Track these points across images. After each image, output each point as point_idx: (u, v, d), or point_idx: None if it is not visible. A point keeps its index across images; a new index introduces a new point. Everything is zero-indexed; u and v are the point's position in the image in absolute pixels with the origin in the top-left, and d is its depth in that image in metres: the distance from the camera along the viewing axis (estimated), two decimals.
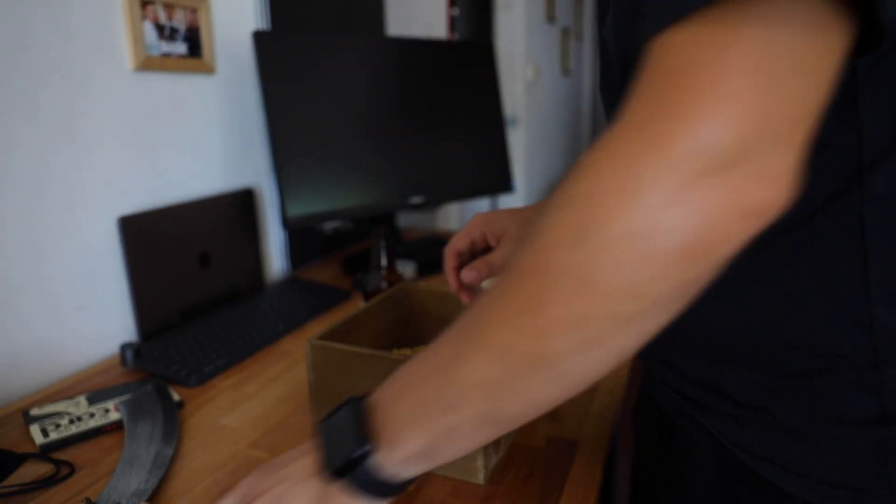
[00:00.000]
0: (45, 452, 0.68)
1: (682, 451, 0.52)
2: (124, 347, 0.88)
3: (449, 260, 0.69)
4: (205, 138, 1.11)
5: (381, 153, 1.27)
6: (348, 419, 0.41)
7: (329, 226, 1.46)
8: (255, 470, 0.47)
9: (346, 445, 0.40)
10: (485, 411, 0.36)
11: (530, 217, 0.69)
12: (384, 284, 0.92)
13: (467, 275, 0.66)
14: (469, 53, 1.47)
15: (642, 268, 0.29)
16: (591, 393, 0.81)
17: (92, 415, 0.74)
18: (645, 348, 0.53)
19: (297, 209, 1.13)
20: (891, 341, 0.38)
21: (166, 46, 1.01)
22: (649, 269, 0.29)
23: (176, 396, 0.78)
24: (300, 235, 1.37)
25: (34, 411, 0.75)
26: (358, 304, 1.05)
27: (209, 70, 1.10)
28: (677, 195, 0.27)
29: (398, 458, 0.39)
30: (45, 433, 0.70)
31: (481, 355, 0.35)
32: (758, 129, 0.27)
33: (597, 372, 0.33)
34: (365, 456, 0.39)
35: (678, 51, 0.28)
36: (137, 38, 0.95)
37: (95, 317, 0.93)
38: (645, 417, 0.61)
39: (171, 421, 0.71)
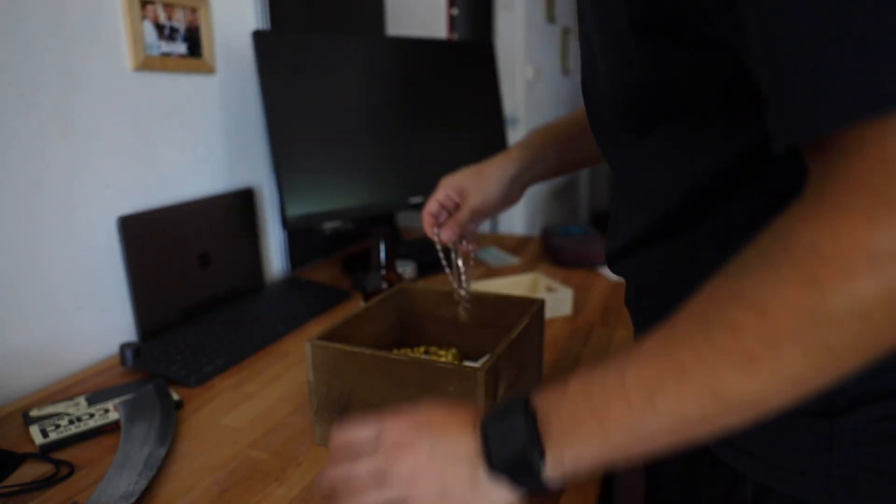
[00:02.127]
0: (45, 452, 0.68)
1: None
2: (124, 347, 0.88)
3: (427, 224, 0.77)
4: (205, 138, 1.11)
5: (381, 153, 1.27)
6: (519, 424, 0.40)
7: (329, 226, 1.46)
8: (398, 422, 0.44)
9: (518, 449, 0.39)
10: (674, 438, 0.36)
11: (486, 171, 0.76)
12: (384, 284, 0.91)
13: (444, 234, 0.75)
14: (469, 53, 1.47)
15: (881, 337, 0.31)
16: None
17: (91, 415, 0.74)
18: (638, 332, 0.53)
19: (297, 209, 1.13)
20: None
21: (166, 46, 1.01)
22: (885, 338, 0.31)
23: (176, 396, 0.78)
24: (300, 235, 1.37)
25: (34, 412, 0.75)
26: (358, 304, 1.05)
27: (209, 70, 1.10)
28: None
29: (567, 466, 0.39)
30: (44, 433, 0.70)
31: (687, 393, 0.34)
32: None
33: (791, 404, 0.34)
34: (540, 464, 0.39)
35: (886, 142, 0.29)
36: (137, 38, 0.95)
37: (95, 317, 0.93)
38: None
39: (168, 421, 0.71)
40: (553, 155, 0.75)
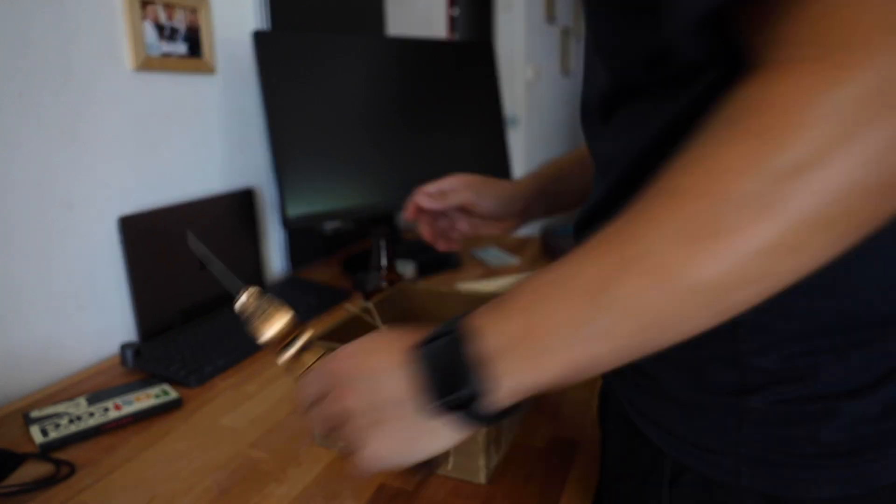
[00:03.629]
0: (45, 452, 0.68)
1: (605, 418, 0.58)
2: (124, 347, 0.88)
3: (416, 195, 0.77)
4: (205, 138, 1.11)
5: (382, 153, 1.27)
6: (454, 350, 0.36)
7: (329, 226, 1.46)
8: (336, 368, 0.41)
9: (456, 381, 0.36)
10: (638, 342, 0.34)
11: (494, 179, 0.76)
12: (384, 284, 0.92)
13: (420, 197, 0.75)
14: (469, 53, 1.47)
15: (833, 198, 0.28)
16: (591, 392, 0.81)
17: (91, 414, 0.74)
18: None
19: (298, 209, 1.13)
20: (751, 321, 0.38)
21: (166, 46, 1.01)
22: (841, 202, 0.28)
23: (175, 396, 0.78)
24: (300, 235, 1.37)
25: (34, 413, 0.75)
26: (358, 304, 1.05)
27: (209, 70, 1.10)
28: (870, 125, 0.27)
29: (516, 390, 0.36)
30: (44, 432, 0.70)
31: (644, 279, 0.32)
32: None
33: (754, 302, 0.32)
34: (480, 394, 0.35)
35: None
36: (137, 39, 0.95)
37: (95, 317, 0.93)
38: (600, 391, 0.66)
39: None
40: (557, 188, 0.76)
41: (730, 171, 0.30)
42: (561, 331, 0.34)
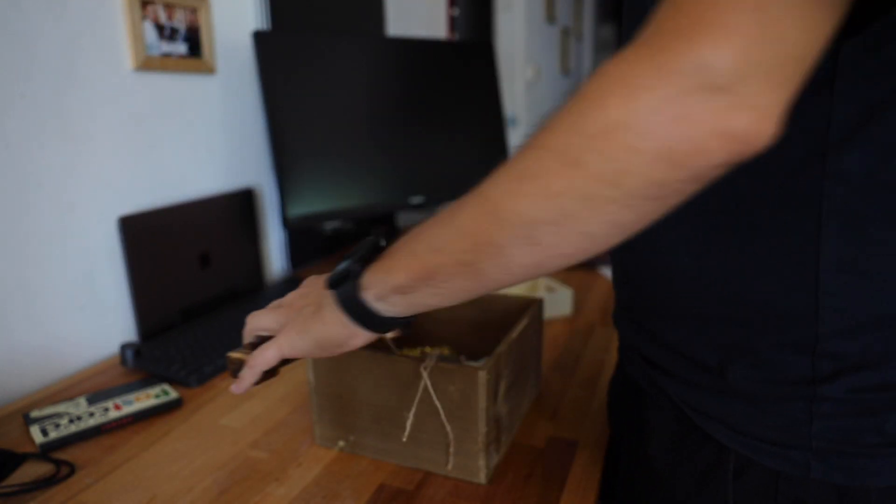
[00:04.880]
0: (46, 452, 0.68)
1: (643, 413, 0.57)
2: (124, 347, 0.88)
3: None
4: (205, 138, 1.11)
5: (382, 153, 1.27)
6: (362, 248, 0.48)
7: (329, 226, 1.46)
8: (295, 292, 0.57)
9: (344, 265, 0.48)
10: (465, 260, 0.40)
11: None
12: None
13: None
14: (469, 53, 1.47)
15: (621, 159, 0.32)
16: (591, 392, 0.81)
17: (92, 414, 0.74)
18: (621, 310, 0.57)
19: (298, 209, 1.13)
20: (832, 305, 0.42)
21: (166, 46, 1.01)
22: (627, 162, 0.32)
23: (175, 395, 0.78)
24: (300, 235, 1.37)
25: (34, 413, 0.75)
26: None
27: (209, 70, 1.10)
28: (666, 103, 0.31)
29: (381, 287, 0.45)
30: (44, 432, 0.70)
31: (475, 209, 0.39)
32: (750, 60, 0.29)
33: (566, 250, 0.37)
34: (351, 273, 0.47)
35: None
36: (137, 38, 0.95)
37: (95, 317, 0.93)
38: (617, 385, 0.66)
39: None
40: None
41: (558, 129, 0.35)
42: (420, 244, 0.43)
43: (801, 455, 0.45)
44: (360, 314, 0.47)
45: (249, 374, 0.53)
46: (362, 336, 0.49)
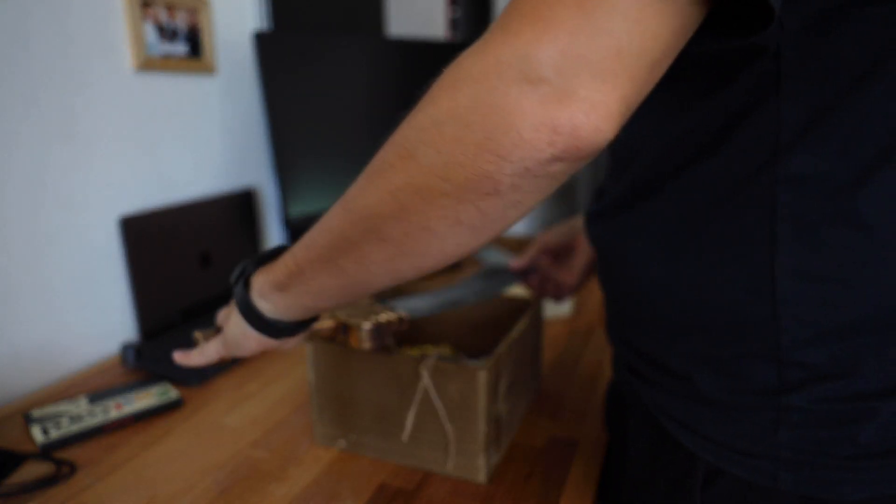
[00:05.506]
0: (46, 451, 0.68)
1: (625, 419, 0.58)
2: (125, 347, 0.88)
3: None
4: (205, 138, 1.12)
5: None
6: (261, 254, 0.51)
7: None
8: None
9: (243, 263, 0.51)
10: (326, 256, 0.42)
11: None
12: None
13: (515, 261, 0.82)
14: None
15: (448, 150, 0.32)
16: (591, 392, 0.81)
17: (92, 414, 0.74)
18: (608, 320, 0.59)
19: (298, 209, 1.13)
20: (792, 314, 0.41)
21: (167, 47, 1.01)
22: (454, 154, 0.32)
23: (176, 395, 0.78)
24: (300, 235, 1.37)
25: (35, 413, 0.75)
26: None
27: (210, 70, 1.10)
28: (488, 94, 0.31)
29: (262, 286, 0.48)
30: (45, 432, 0.70)
31: (337, 206, 0.41)
32: (571, 52, 0.29)
33: (415, 248, 0.37)
34: (247, 271, 0.49)
35: None
36: (138, 39, 0.96)
37: (96, 317, 0.94)
38: (610, 391, 0.68)
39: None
40: None
41: (403, 124, 0.36)
42: (297, 245, 0.45)
43: (769, 465, 0.44)
44: (249, 313, 0.49)
45: (196, 358, 0.57)
46: (254, 338, 0.51)
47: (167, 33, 1.01)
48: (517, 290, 1.05)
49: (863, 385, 0.41)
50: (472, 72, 0.32)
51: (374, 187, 0.37)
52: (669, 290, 0.46)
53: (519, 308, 0.79)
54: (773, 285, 0.41)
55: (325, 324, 0.58)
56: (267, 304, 0.49)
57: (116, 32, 0.94)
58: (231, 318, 0.52)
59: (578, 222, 0.81)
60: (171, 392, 0.79)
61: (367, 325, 0.58)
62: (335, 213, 0.41)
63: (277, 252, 0.50)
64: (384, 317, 0.59)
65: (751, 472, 0.44)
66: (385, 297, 0.64)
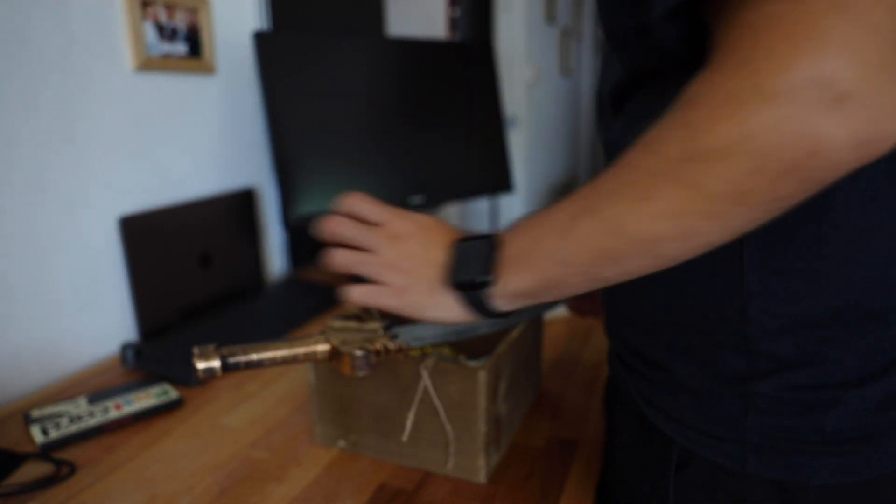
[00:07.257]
0: (46, 452, 0.68)
1: (615, 409, 0.61)
2: (125, 347, 0.88)
3: None
4: (205, 138, 1.12)
5: (382, 153, 1.27)
6: (482, 249, 0.47)
7: None
8: (403, 218, 0.52)
9: (473, 269, 0.47)
10: (589, 271, 0.42)
11: None
12: None
13: None
14: (469, 53, 1.47)
15: (744, 181, 0.33)
16: (590, 392, 0.81)
17: (92, 414, 0.74)
18: (607, 323, 0.60)
19: (298, 209, 1.13)
20: (759, 306, 0.43)
21: (167, 46, 1.01)
22: (751, 183, 0.33)
23: (176, 395, 0.78)
24: (300, 235, 1.37)
25: (35, 413, 0.75)
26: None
27: (209, 70, 1.10)
28: (786, 121, 0.31)
29: (509, 292, 0.46)
30: (45, 432, 0.70)
31: (596, 226, 0.40)
32: (866, 62, 0.29)
33: (687, 255, 0.39)
34: (486, 283, 0.46)
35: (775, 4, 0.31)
36: (138, 39, 0.96)
37: (96, 317, 0.94)
38: (606, 387, 0.70)
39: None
40: None
41: (667, 153, 0.36)
42: (543, 254, 0.44)
43: (737, 449, 0.45)
44: (486, 312, 0.49)
45: (358, 294, 0.51)
46: (462, 316, 0.50)
47: (167, 33, 1.01)
48: (560, 313, 1.05)
49: (828, 374, 0.43)
50: (759, 97, 0.31)
51: (652, 214, 0.37)
52: (651, 283, 0.48)
53: None
54: (742, 279, 0.43)
55: (321, 347, 0.56)
56: (501, 302, 0.48)
57: (116, 32, 0.94)
58: (439, 307, 0.49)
59: None
60: (170, 392, 0.79)
61: (359, 353, 0.55)
62: (597, 233, 0.40)
63: (492, 251, 0.47)
64: (380, 344, 0.56)
65: (721, 455, 0.46)
66: (394, 322, 0.62)
